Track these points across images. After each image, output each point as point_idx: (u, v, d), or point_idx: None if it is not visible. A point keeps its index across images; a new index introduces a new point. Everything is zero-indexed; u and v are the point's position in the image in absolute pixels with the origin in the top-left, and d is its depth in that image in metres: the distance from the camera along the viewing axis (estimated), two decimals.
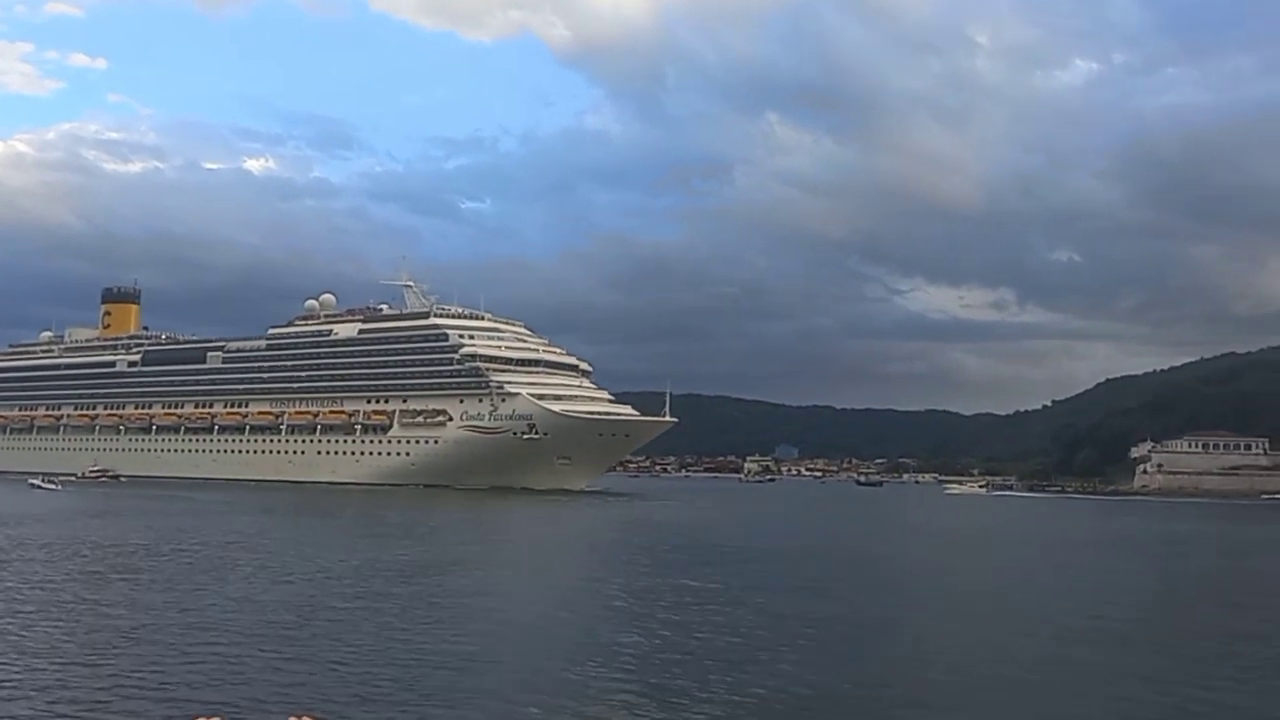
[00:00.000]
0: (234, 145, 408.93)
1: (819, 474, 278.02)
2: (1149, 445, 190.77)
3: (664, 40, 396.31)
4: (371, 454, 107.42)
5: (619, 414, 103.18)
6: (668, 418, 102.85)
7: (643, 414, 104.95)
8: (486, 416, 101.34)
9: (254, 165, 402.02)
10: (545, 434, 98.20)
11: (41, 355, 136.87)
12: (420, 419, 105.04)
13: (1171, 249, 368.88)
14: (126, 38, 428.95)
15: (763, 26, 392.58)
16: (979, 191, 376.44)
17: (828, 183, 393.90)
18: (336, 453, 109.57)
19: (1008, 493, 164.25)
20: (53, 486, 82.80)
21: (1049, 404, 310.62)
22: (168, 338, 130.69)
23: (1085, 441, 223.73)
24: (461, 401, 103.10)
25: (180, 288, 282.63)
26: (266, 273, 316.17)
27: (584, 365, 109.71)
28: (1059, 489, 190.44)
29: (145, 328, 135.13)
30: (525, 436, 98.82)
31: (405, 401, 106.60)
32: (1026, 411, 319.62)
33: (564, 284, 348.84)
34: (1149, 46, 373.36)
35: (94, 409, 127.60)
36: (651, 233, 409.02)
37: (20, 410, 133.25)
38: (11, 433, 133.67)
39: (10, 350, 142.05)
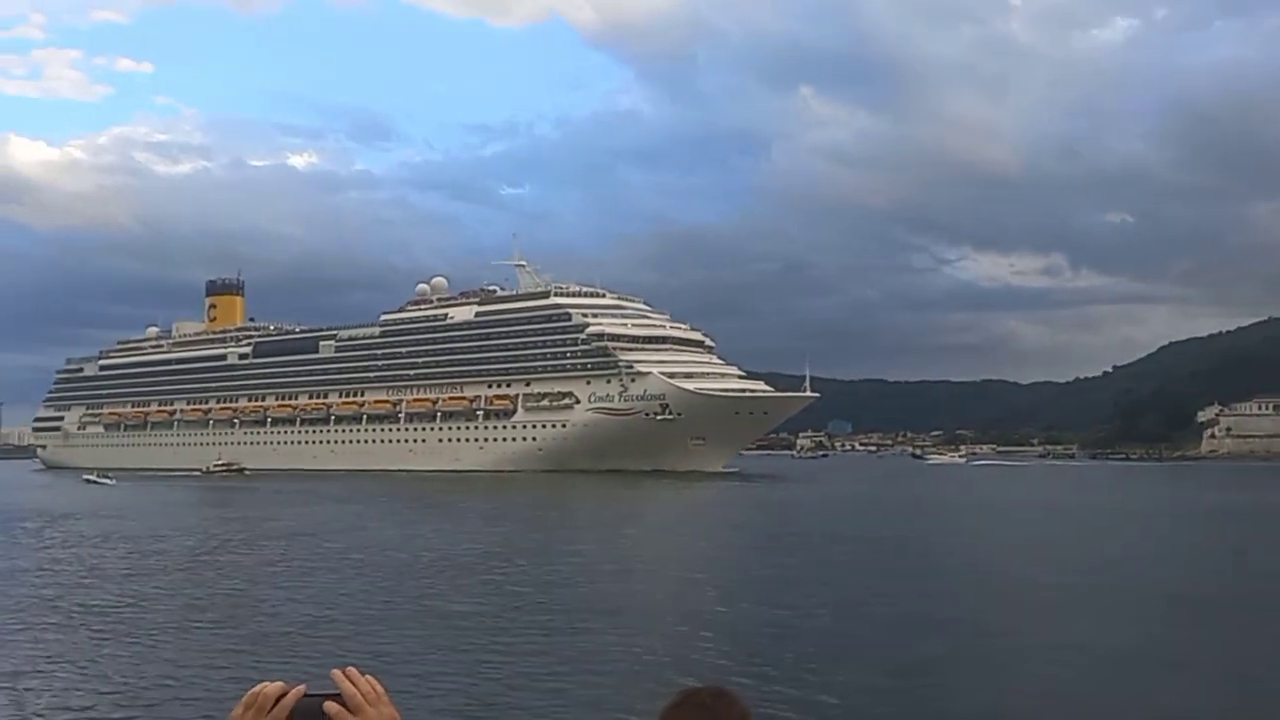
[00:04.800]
0: (276, 141, 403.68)
1: (873, 448, 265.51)
2: (1216, 409, 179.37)
3: (691, 19, 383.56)
4: (496, 440, 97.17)
5: (756, 391, 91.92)
6: (809, 393, 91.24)
7: (777, 390, 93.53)
8: (616, 398, 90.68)
9: (297, 160, 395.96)
10: (679, 414, 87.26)
11: (151, 351, 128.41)
12: (545, 402, 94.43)
13: (1227, 208, 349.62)
14: (169, 40, 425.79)
15: (789, 1, 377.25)
16: (1021, 157, 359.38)
17: (866, 154, 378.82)
18: (458, 440, 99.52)
19: (988, 461, 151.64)
20: (109, 481, 77.86)
21: (1109, 370, 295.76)
22: (276, 328, 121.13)
23: (1149, 407, 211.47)
24: (588, 383, 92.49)
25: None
26: (316, 266, 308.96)
27: (708, 341, 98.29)
28: (1122, 456, 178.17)
29: (251, 319, 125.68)
30: (659, 417, 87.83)
31: (528, 385, 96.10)
32: (1086, 379, 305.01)
33: (604, 266, 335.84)
34: (1191, 2, 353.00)
35: (207, 403, 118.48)
36: (690, 212, 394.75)
37: (134, 407, 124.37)
38: (126, 430, 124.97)
39: (119, 347, 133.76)
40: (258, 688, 1.48)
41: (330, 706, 1.44)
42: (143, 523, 41.89)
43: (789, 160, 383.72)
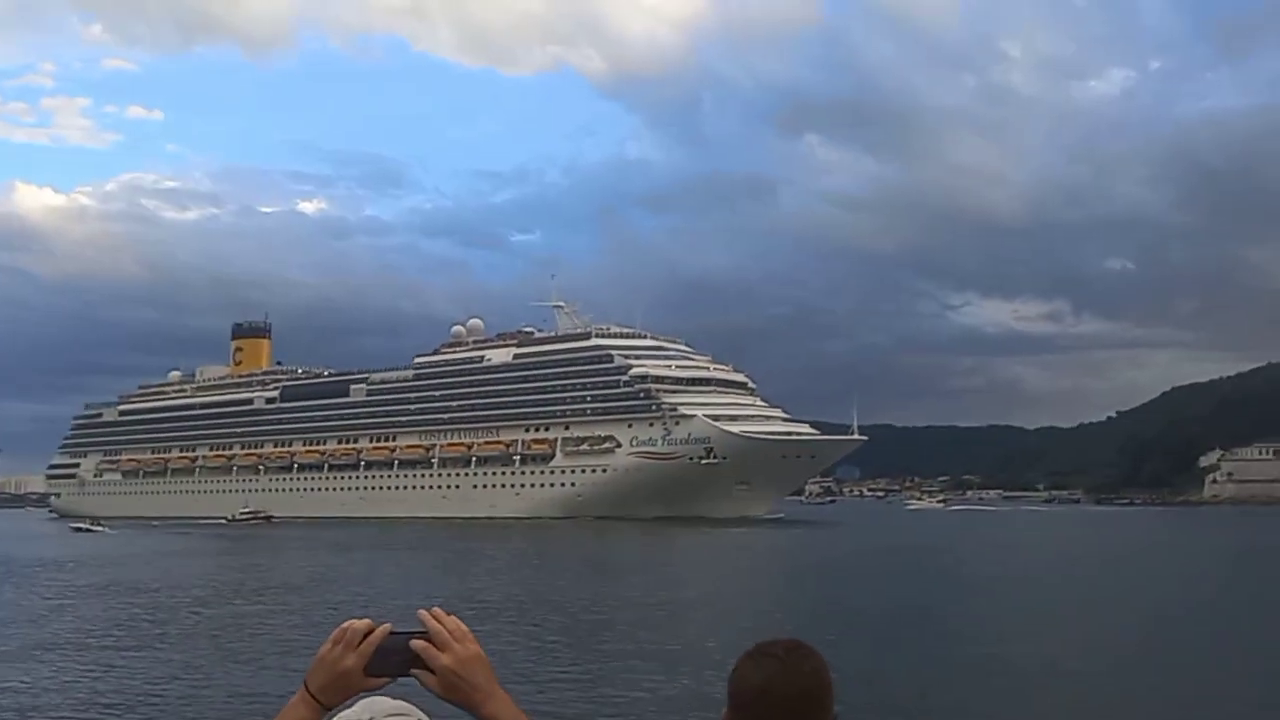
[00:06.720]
0: (287, 188, 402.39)
1: (881, 494, 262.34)
2: (1218, 454, 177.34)
3: (698, 67, 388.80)
4: (533, 486, 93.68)
5: (803, 434, 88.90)
6: (857, 436, 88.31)
7: (823, 433, 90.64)
8: (659, 441, 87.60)
9: (307, 207, 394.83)
10: (724, 458, 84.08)
11: (174, 395, 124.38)
12: (585, 446, 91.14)
13: (1228, 252, 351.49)
14: (181, 89, 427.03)
15: (794, 49, 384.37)
16: (1024, 203, 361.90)
17: (872, 199, 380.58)
18: (494, 485, 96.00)
19: (964, 506, 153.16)
20: (102, 529, 73.55)
21: (1114, 415, 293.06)
22: (304, 372, 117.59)
23: (1152, 452, 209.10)
24: (630, 426, 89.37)
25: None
26: (326, 311, 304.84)
27: (750, 383, 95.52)
28: (1126, 501, 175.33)
29: (279, 363, 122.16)
30: (704, 461, 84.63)
31: (568, 429, 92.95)
32: (1091, 424, 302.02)
33: (614, 310, 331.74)
34: (1184, 52, 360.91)
35: (231, 449, 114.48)
36: (700, 256, 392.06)
37: (154, 453, 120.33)
38: (146, 476, 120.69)
39: (140, 392, 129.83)
40: (346, 624, 1.47)
41: (417, 643, 1.44)
42: (116, 573, 38.44)
43: (797, 205, 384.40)
